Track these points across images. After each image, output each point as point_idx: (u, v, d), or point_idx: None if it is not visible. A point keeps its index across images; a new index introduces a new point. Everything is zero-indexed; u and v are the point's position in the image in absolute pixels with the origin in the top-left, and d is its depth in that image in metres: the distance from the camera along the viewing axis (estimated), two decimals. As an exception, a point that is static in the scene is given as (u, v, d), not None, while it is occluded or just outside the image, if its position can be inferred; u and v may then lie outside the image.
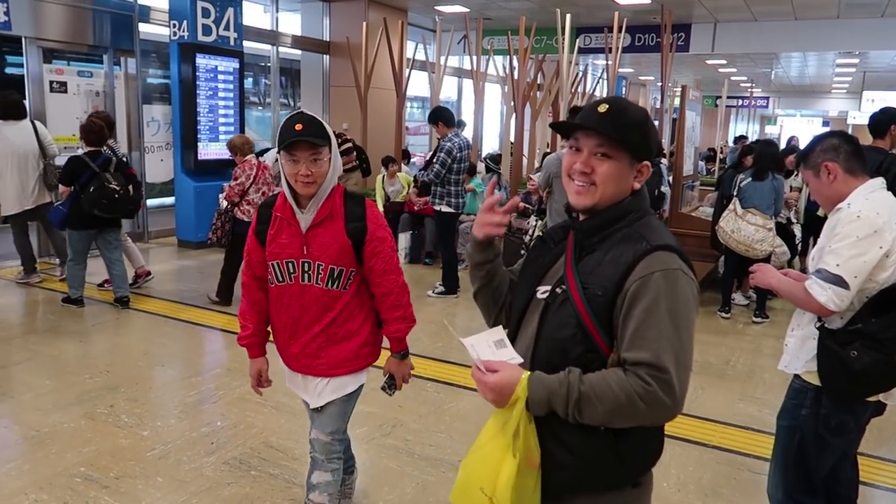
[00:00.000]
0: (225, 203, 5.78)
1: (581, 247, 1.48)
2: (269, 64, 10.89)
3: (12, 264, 6.76)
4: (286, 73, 12.73)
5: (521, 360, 1.42)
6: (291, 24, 11.74)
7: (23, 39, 7.09)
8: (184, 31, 7.95)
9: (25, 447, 3.39)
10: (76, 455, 3.27)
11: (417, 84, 11.90)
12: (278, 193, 2.24)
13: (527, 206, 7.76)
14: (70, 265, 5.67)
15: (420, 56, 10.47)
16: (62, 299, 5.76)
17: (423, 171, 6.55)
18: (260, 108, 13.43)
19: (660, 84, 9.73)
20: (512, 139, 9.82)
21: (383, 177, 8.32)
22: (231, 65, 8.54)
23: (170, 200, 9.15)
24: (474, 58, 10.20)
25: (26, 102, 6.94)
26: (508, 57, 9.73)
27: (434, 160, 6.30)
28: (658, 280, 1.33)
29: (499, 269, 1.70)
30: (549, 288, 1.48)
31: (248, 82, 12.87)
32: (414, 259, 8.09)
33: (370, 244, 2.23)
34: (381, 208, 8.19)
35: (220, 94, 8.49)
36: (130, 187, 5.51)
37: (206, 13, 8.04)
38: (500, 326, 1.52)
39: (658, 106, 12.61)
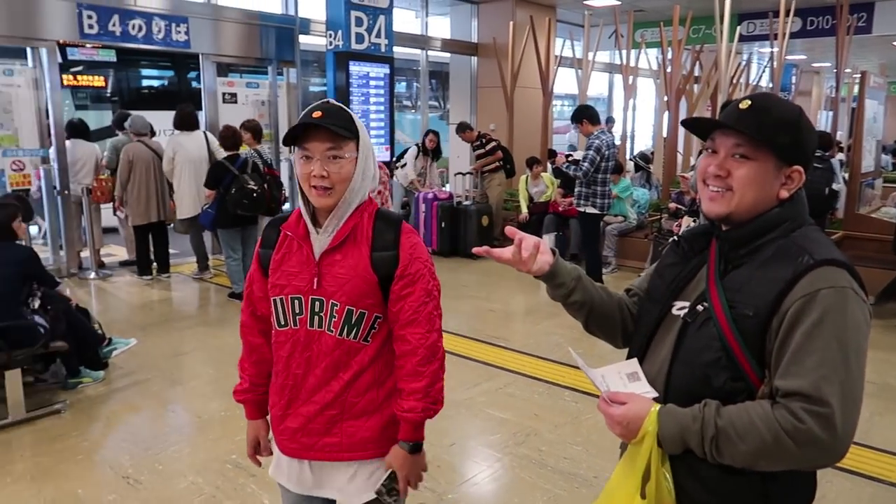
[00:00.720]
0: None
1: (727, 259, 1.31)
2: (418, 68, 11.18)
3: (190, 261, 7.46)
4: (435, 76, 13.01)
5: (656, 395, 1.29)
6: (441, 27, 11.97)
7: (200, 56, 7.81)
8: (339, 40, 8.35)
9: (188, 432, 3.71)
10: (229, 442, 3.52)
11: (565, 82, 11.68)
12: (288, 214, 1.71)
13: (679, 206, 7.33)
14: (228, 262, 6.15)
15: (567, 53, 10.25)
16: (228, 294, 6.27)
17: (567, 165, 6.40)
18: (412, 111, 13.85)
19: (836, 71, 8.80)
20: (665, 136, 9.33)
21: (527, 178, 8.23)
22: (382, 70, 8.85)
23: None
24: (625, 52, 9.81)
25: (202, 114, 7.65)
26: (661, 49, 9.25)
27: (583, 159, 6.11)
28: (824, 299, 1.15)
29: (589, 292, 1.54)
30: (687, 304, 1.33)
31: (401, 86, 13.32)
32: (558, 261, 7.91)
33: (400, 281, 1.60)
34: (524, 210, 8.13)
35: (372, 99, 8.83)
36: (266, 186, 5.86)
37: (359, 22, 8.39)
38: (636, 360, 1.39)
39: (833, 95, 11.41)
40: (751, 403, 1.18)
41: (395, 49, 9.10)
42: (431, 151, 8.93)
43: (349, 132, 1.56)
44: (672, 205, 7.52)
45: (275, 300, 1.65)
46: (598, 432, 3.71)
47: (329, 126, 1.53)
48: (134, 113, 7.08)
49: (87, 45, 8.04)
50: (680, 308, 1.35)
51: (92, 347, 4.16)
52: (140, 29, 7.05)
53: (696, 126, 1.42)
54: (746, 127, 1.24)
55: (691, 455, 1.22)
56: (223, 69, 8.24)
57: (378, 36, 8.66)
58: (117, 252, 7.82)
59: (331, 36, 8.44)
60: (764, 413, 1.14)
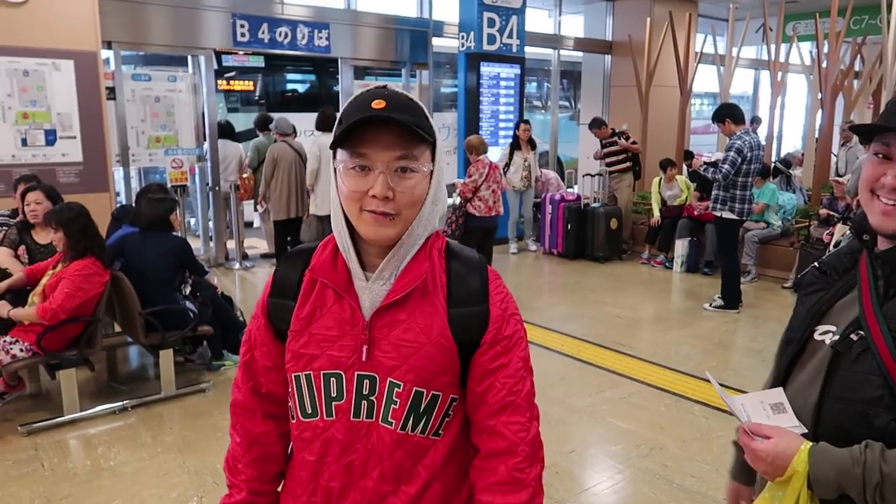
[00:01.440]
0: (458, 199, 6.36)
1: (888, 282, 1.14)
2: (549, 68, 11.05)
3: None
4: (567, 76, 12.81)
5: (805, 431, 1.15)
6: (574, 26, 11.76)
7: (339, 60, 8.17)
8: (470, 41, 8.43)
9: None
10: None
11: (705, 79, 11.09)
12: (314, 245, 1.20)
13: (830, 213, 6.74)
14: None
15: (709, 49, 9.73)
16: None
17: (704, 168, 6.04)
18: (542, 111, 13.72)
19: None
20: (817, 136, 8.61)
21: (660, 180, 7.89)
22: (513, 71, 8.83)
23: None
24: (773, 46, 9.17)
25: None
26: (816, 42, 8.54)
27: (722, 160, 5.76)
28: None
29: None
30: (831, 329, 1.19)
31: (531, 87, 13.23)
32: (691, 267, 7.54)
33: (491, 349, 1.13)
34: (656, 213, 7.81)
35: (502, 100, 8.84)
36: None
37: (491, 23, 8.43)
38: (781, 389, 1.23)
39: None
40: None
41: (527, 49, 9.06)
42: (528, 143, 8.14)
43: (428, 134, 1.07)
44: (823, 211, 6.93)
45: (297, 377, 1.14)
46: (730, 452, 3.47)
47: (403, 121, 1.03)
48: (278, 115, 7.52)
49: (240, 52, 8.65)
50: (823, 333, 1.20)
51: (234, 333, 4.46)
52: (286, 36, 7.48)
53: (865, 130, 1.24)
54: None
55: (846, 501, 1.08)
56: (360, 72, 8.57)
57: (510, 36, 8.66)
58: (258, 245, 8.35)
59: (463, 37, 8.53)
60: None
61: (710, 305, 6.05)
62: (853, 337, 1.13)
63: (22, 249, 4.00)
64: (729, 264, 6.03)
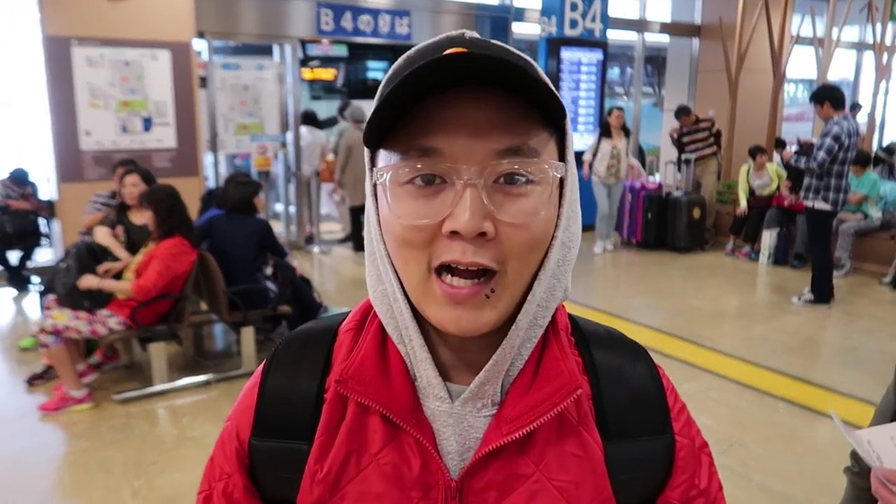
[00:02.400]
0: None
1: None
2: (633, 53, 10.75)
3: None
4: (651, 62, 12.43)
5: None
6: (661, 9, 11.37)
7: (419, 47, 8.21)
8: (552, 26, 8.30)
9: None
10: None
11: (801, 63, 10.50)
12: (335, 322, 0.74)
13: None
14: None
15: (806, 31, 9.20)
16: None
17: (797, 156, 5.72)
18: (623, 97, 13.38)
19: None
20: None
21: (749, 168, 7.55)
22: (595, 56, 8.64)
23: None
24: (878, 26, 8.57)
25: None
26: (928, 22, 7.92)
27: (818, 147, 5.42)
28: None
29: None
30: None
31: (613, 73, 12.91)
32: (779, 260, 7.19)
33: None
34: (743, 203, 7.48)
35: (583, 86, 8.67)
36: None
37: (573, 7, 8.26)
38: None
39: None
40: None
41: (610, 34, 8.83)
42: (621, 130, 7.41)
43: (556, 108, 0.58)
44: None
45: None
46: (816, 453, 3.31)
47: (515, 69, 0.54)
48: (354, 102, 7.66)
49: (323, 41, 8.84)
50: None
51: (312, 313, 4.60)
52: (368, 24, 7.59)
53: None
54: None
55: None
56: (440, 59, 8.59)
57: (592, 20, 8.47)
58: (335, 230, 8.55)
59: (544, 22, 8.41)
60: None
61: (799, 299, 5.75)
62: None
63: (119, 229, 4.24)
64: (821, 258, 5.71)
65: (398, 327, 0.65)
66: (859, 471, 1.36)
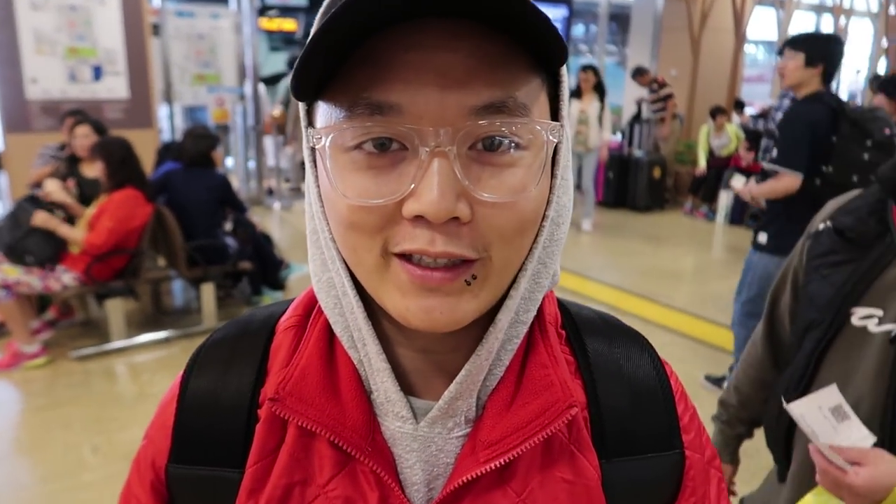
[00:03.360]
0: None
1: None
2: (597, 10, 10.68)
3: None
4: (616, 19, 12.38)
5: (874, 439, 1.01)
6: (626, -34, 11.29)
7: None
8: (517, -19, 8.18)
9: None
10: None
11: (762, 25, 10.59)
12: (272, 315, 0.61)
13: None
14: None
15: (768, -9, 9.27)
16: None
17: (754, 119, 5.82)
18: (588, 55, 13.35)
19: None
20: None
21: (709, 129, 7.66)
22: (559, 12, 8.58)
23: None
24: (838, -11, 8.68)
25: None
26: (885, -15, 8.05)
27: (775, 108, 5.52)
28: None
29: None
30: (875, 313, 1.04)
31: (577, 30, 12.85)
32: (735, 220, 7.37)
33: None
34: (702, 163, 7.60)
35: (547, 43, 8.62)
36: None
37: (539, -39, 8.15)
38: (835, 386, 1.03)
39: None
40: None
41: (575, -11, 8.76)
42: (594, 92, 6.48)
43: (556, 47, 0.44)
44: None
45: None
46: (746, 456, 3.45)
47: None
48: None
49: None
50: (865, 318, 1.05)
51: (273, 269, 4.55)
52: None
53: None
54: None
55: None
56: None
57: (558, -25, 8.37)
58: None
59: (509, -24, 8.29)
60: None
61: (753, 259, 5.92)
62: None
63: (71, 182, 4.10)
64: None
65: (349, 328, 0.52)
66: (727, 419, 1.44)
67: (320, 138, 0.46)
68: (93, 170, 3.99)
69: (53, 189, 3.91)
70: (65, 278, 3.61)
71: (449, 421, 0.52)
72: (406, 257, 0.45)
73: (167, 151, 4.77)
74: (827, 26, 12.23)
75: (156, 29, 6.45)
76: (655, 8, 10.76)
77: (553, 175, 0.50)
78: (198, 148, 4.18)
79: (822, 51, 2.75)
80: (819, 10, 13.04)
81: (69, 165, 4.17)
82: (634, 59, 10.75)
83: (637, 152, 8.14)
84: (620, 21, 12.69)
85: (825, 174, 2.66)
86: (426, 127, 0.43)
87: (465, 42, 0.43)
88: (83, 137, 4.08)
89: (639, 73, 8.38)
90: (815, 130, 2.66)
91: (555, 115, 0.50)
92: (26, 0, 5.32)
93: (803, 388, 1.10)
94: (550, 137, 0.46)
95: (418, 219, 0.43)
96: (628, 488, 0.56)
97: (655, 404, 0.58)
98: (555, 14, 8.50)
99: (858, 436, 1.01)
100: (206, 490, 0.55)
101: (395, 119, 0.43)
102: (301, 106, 0.50)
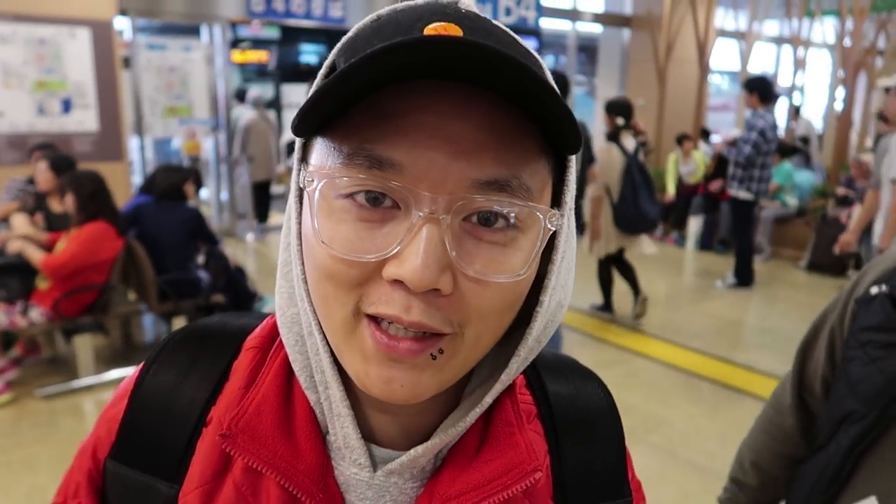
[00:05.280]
0: None
1: None
2: (566, 42, 10.92)
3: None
4: (584, 51, 12.65)
5: None
6: (592, 0, 11.58)
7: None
8: (486, 13, 8.29)
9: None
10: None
11: (725, 56, 10.91)
12: (237, 333, 0.59)
13: (848, 193, 6.66)
14: None
15: (730, 24, 9.57)
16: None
17: (728, 148, 5.97)
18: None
19: None
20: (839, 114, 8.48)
21: (677, 156, 7.82)
22: (529, 45, 8.65)
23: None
24: (796, 21, 8.99)
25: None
26: (840, 18, 8.37)
27: (743, 140, 5.64)
28: None
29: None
30: None
31: (548, 61, 13.08)
32: (705, 245, 7.50)
33: None
34: (671, 190, 7.74)
35: (517, 74, 8.76)
36: None
37: (508, -5, 8.33)
38: (874, 500, 0.88)
39: None
40: None
41: (543, 22, 8.94)
42: None
43: (570, 131, 0.43)
44: (841, 190, 6.84)
45: None
46: (736, 428, 3.49)
47: (517, 65, 0.39)
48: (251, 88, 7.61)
49: (255, 23, 8.61)
50: None
51: (247, 303, 4.51)
52: (301, 5, 7.43)
53: None
54: None
55: None
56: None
57: (526, 9, 8.55)
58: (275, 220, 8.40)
59: (479, 9, 8.43)
60: None
61: (723, 283, 6.03)
62: None
63: (39, 216, 4.04)
64: (743, 242, 6.00)
65: (309, 367, 0.50)
66: (731, 496, 1.27)
67: (312, 181, 0.44)
68: (60, 204, 3.94)
69: (20, 224, 3.85)
70: (32, 314, 3.54)
71: (407, 472, 0.50)
72: (376, 320, 0.44)
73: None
74: (786, 57, 12.63)
75: (126, 61, 6.44)
76: (622, 40, 11.04)
77: (551, 260, 0.48)
78: (169, 181, 4.15)
79: None
80: (779, 41, 13.49)
81: (37, 200, 4.12)
82: (603, 89, 10.99)
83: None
84: (589, 52, 12.97)
85: None
86: (424, 191, 0.42)
87: (478, 112, 0.42)
88: (40, 173, 4.04)
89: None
90: None
91: (556, 199, 0.48)
92: (-6, 34, 5.28)
93: (835, 490, 0.95)
94: (548, 225, 0.45)
95: (398, 282, 0.42)
96: None
97: (611, 452, 0.58)
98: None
99: None
100: (135, 494, 0.54)
101: (394, 177, 0.42)
102: (297, 140, 0.48)
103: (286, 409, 0.51)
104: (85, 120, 5.78)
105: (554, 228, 0.46)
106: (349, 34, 0.48)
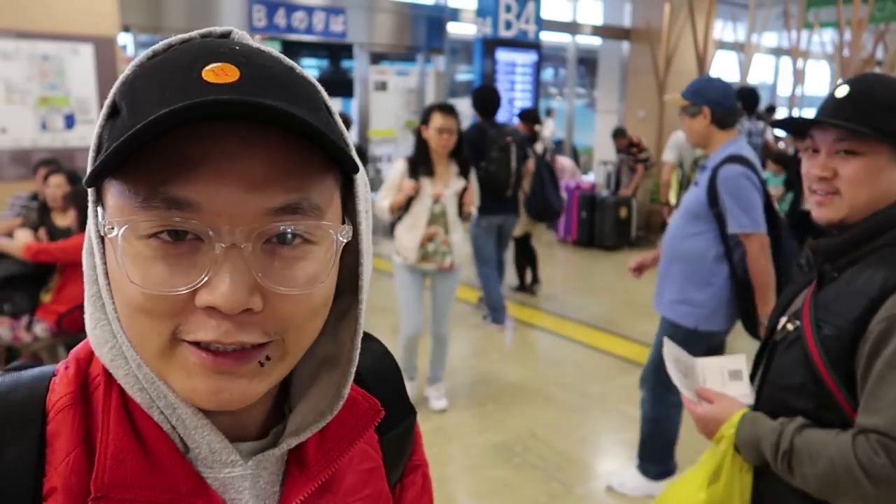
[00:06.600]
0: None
1: (821, 273, 1.17)
2: (566, 54, 10.98)
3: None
4: (584, 63, 12.73)
5: (751, 401, 1.24)
6: (592, 12, 11.66)
7: (354, 46, 8.16)
8: (487, 27, 8.39)
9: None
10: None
11: (724, 67, 10.97)
12: (39, 395, 0.53)
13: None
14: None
15: (729, 36, 9.62)
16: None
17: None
18: (559, 98, 13.66)
19: None
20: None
21: (678, 169, 7.83)
22: (529, 57, 8.78)
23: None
24: (794, 33, 9.04)
25: (354, 101, 8.02)
26: (839, 29, 8.42)
27: None
28: None
29: None
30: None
31: (547, 74, 13.16)
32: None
33: (413, 478, 0.73)
34: (673, 200, 7.74)
35: (518, 87, 8.80)
36: None
37: (507, 8, 8.38)
38: (744, 355, 1.30)
39: None
40: (838, 432, 1.06)
41: (543, 35, 9.00)
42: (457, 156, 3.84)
43: (340, 149, 0.47)
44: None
45: None
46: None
47: (299, 118, 0.44)
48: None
49: (256, 38, 8.67)
50: (785, 322, 1.26)
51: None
52: (303, 21, 7.48)
53: (791, 125, 1.30)
54: (845, 117, 1.08)
55: (780, 483, 1.14)
56: (376, 58, 8.56)
57: (526, 22, 8.60)
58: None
59: (480, 23, 8.49)
60: (842, 442, 1.04)
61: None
62: (789, 327, 1.20)
63: (42, 231, 4.05)
64: None
65: (150, 397, 0.51)
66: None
67: (112, 228, 0.46)
68: (64, 219, 3.95)
69: (23, 239, 3.86)
70: (37, 329, 3.54)
71: (272, 455, 0.55)
72: (197, 343, 0.46)
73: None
74: (786, 68, 12.70)
75: (129, 77, 6.48)
76: (621, 52, 11.10)
77: (359, 263, 0.54)
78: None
79: None
80: (777, 52, 13.57)
81: (40, 215, 4.12)
82: (603, 101, 11.04)
83: (604, 192, 8.30)
84: (588, 65, 13.06)
85: None
86: (223, 225, 0.45)
87: (264, 146, 0.45)
88: (56, 188, 4.05)
89: (617, 136, 8.53)
90: None
91: (345, 208, 0.53)
92: (-2, 50, 5.32)
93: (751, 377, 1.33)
94: (340, 238, 0.50)
95: (211, 309, 0.45)
96: (394, 456, 0.68)
97: (399, 383, 0.72)
98: (525, 59, 8.71)
99: (739, 393, 1.24)
100: None
101: (193, 215, 0.45)
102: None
103: (142, 448, 0.50)
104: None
105: (345, 240, 0.51)
106: (127, 72, 0.49)
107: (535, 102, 8.95)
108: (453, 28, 9.01)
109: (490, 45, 8.37)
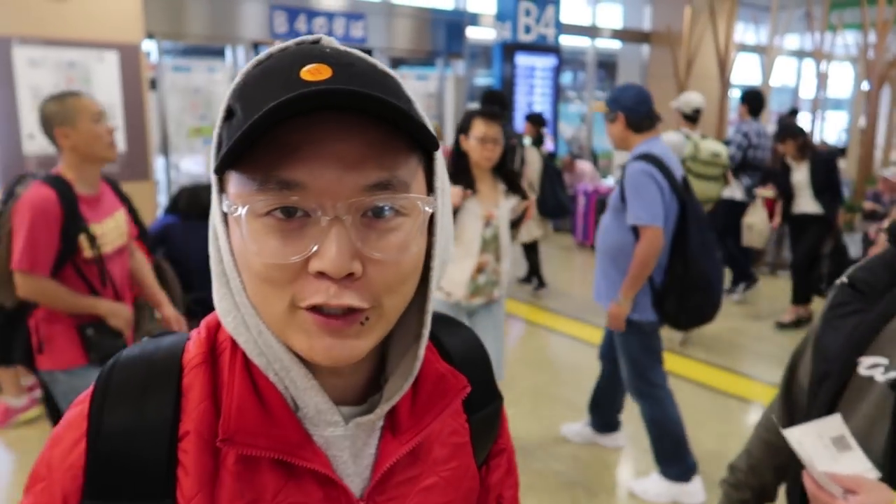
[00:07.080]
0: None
1: None
2: (585, 58, 10.95)
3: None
4: (603, 67, 12.68)
5: (879, 474, 1.00)
6: (612, 16, 11.62)
7: (374, 51, 8.19)
8: (506, 31, 8.39)
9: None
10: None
11: (747, 70, 10.87)
12: (176, 354, 0.64)
13: (875, 207, 6.57)
14: None
15: (750, 39, 9.53)
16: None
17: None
18: (578, 101, 13.61)
19: None
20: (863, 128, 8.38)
21: (699, 171, 7.78)
22: (549, 61, 8.77)
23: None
24: (817, 35, 8.94)
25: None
26: (863, 31, 8.31)
27: (729, 142, 6.00)
28: None
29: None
30: (881, 362, 1.03)
31: (566, 77, 13.13)
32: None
33: (499, 460, 0.81)
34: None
35: (537, 91, 8.78)
36: None
37: (527, 13, 8.38)
38: (839, 415, 1.03)
39: None
40: None
41: (563, 39, 8.98)
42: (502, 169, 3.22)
43: (424, 134, 0.55)
44: (868, 204, 6.75)
45: None
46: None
47: (385, 102, 0.51)
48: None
49: (277, 43, 8.74)
50: (871, 367, 1.04)
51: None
52: (323, 26, 7.53)
53: None
54: None
55: None
56: (395, 63, 8.59)
57: (546, 26, 8.60)
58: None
59: (499, 27, 8.50)
60: None
61: (735, 294, 5.98)
62: None
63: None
64: (733, 247, 6.08)
65: (267, 360, 0.59)
66: (734, 482, 1.39)
67: (236, 208, 0.54)
68: (91, 224, 4.00)
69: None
70: (61, 333, 3.59)
71: (368, 420, 0.63)
72: (312, 308, 0.55)
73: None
74: (808, 71, 12.56)
75: (153, 83, 6.57)
76: (641, 56, 11.05)
77: (432, 232, 0.61)
78: (195, 199, 4.20)
79: None
80: (800, 55, 13.42)
81: (67, 219, 4.18)
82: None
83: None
84: (608, 68, 13.00)
85: None
86: (326, 201, 0.53)
87: (357, 132, 0.53)
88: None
89: None
90: None
91: (430, 185, 0.61)
92: (25, 57, 5.42)
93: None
94: (426, 209, 0.58)
95: (321, 274, 0.53)
96: (482, 435, 0.75)
97: (487, 368, 0.78)
98: (544, 63, 8.69)
99: (861, 468, 0.99)
100: None
101: (301, 194, 0.53)
102: (212, 175, 0.58)
103: (261, 403, 0.60)
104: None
105: (431, 210, 0.59)
106: (238, 79, 0.58)
107: (555, 106, 8.93)
108: (472, 32, 9.02)
109: (509, 49, 8.37)
